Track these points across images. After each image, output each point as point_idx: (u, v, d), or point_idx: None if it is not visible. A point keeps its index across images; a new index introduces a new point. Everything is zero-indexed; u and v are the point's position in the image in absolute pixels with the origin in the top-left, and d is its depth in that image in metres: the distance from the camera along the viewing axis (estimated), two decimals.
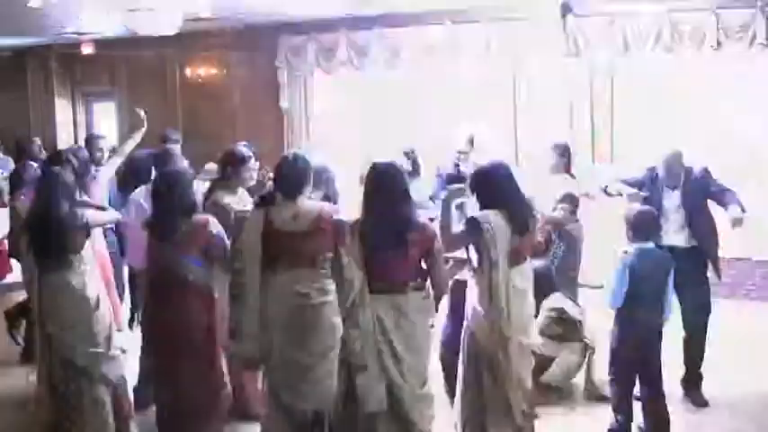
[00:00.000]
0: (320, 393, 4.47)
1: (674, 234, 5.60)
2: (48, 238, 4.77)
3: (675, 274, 5.03)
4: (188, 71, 13.46)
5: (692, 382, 5.76)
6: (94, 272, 5.03)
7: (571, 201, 6.33)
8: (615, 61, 9.67)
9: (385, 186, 4.33)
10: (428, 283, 4.41)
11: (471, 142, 6.84)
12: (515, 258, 4.53)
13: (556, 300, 5.80)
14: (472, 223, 4.48)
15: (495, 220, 4.42)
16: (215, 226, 4.75)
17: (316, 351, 4.48)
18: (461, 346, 4.67)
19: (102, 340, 4.87)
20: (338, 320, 4.48)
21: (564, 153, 6.65)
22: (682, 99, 9.15)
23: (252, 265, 4.55)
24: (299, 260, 4.53)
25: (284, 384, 4.51)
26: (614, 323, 5.05)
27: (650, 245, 4.97)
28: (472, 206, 4.84)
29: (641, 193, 5.68)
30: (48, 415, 4.90)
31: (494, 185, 4.59)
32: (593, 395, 5.73)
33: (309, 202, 4.69)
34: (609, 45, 9.43)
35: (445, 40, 10.55)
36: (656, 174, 5.73)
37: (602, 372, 5.62)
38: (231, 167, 5.56)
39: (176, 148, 7.07)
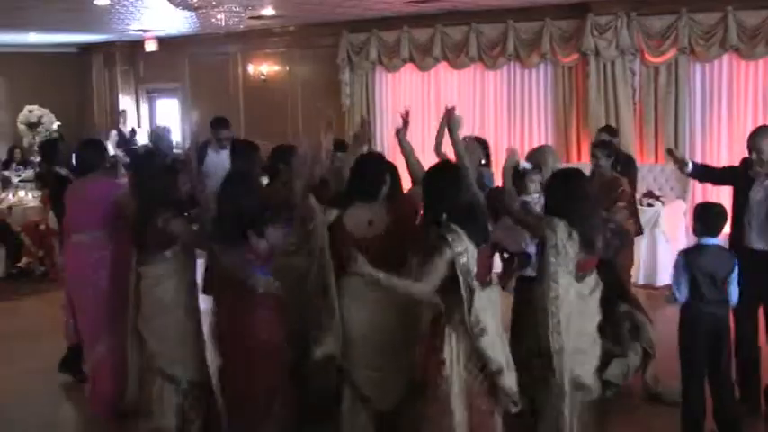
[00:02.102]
0: (399, 387, 4.43)
1: (755, 234, 5.15)
2: (141, 229, 4.74)
3: (760, 282, 4.78)
4: (250, 69, 13.54)
5: None
6: (179, 275, 4.78)
7: (627, 198, 6.23)
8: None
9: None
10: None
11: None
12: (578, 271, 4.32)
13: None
14: (544, 222, 4.29)
15: (563, 231, 4.20)
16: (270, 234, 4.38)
17: (394, 349, 4.41)
18: None
19: (173, 340, 4.76)
20: (414, 317, 4.41)
21: (611, 153, 6.44)
22: None
23: (327, 265, 4.37)
24: (373, 264, 4.39)
25: (365, 380, 4.47)
26: (680, 319, 4.88)
27: (713, 240, 4.73)
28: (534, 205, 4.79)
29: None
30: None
31: (568, 195, 4.31)
32: (650, 394, 5.60)
33: (382, 207, 4.43)
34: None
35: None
36: (747, 162, 5.25)
37: (657, 371, 5.52)
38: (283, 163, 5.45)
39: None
